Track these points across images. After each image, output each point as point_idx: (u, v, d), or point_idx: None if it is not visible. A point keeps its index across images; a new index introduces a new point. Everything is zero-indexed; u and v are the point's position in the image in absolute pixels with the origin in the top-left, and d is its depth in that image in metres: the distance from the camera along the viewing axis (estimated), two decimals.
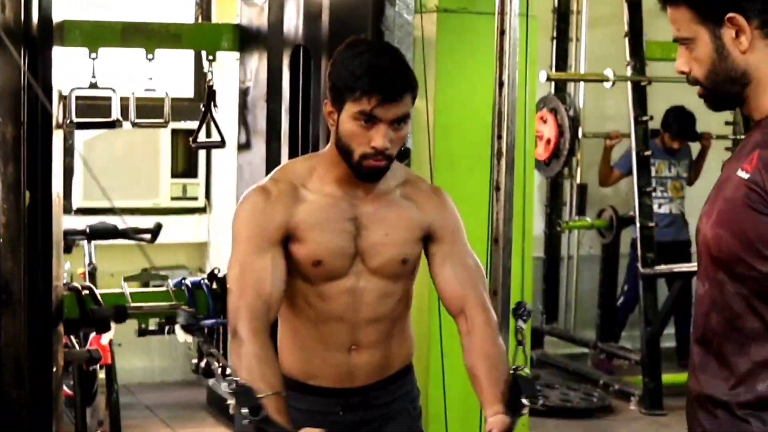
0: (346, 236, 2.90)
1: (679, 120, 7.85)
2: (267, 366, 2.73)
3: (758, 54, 2.32)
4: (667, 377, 7.29)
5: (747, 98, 2.36)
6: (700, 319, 2.41)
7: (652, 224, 7.17)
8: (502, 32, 4.17)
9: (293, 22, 4.57)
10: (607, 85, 7.18)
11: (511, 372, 2.84)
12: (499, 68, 4.17)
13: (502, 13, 4.16)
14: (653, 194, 7.39)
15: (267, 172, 4.60)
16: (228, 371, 2.86)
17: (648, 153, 7.24)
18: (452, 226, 3.02)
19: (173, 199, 6.95)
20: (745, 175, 2.27)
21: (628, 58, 7.24)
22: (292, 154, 4.64)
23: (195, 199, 7.05)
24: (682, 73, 2.42)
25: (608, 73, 7.13)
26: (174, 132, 6.81)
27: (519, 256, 4.31)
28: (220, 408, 6.65)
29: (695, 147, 8.26)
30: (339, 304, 2.92)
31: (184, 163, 6.98)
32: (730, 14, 2.30)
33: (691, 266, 7.50)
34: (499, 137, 4.19)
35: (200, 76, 7.20)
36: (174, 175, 6.96)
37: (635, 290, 7.69)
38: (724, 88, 2.36)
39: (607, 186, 8.12)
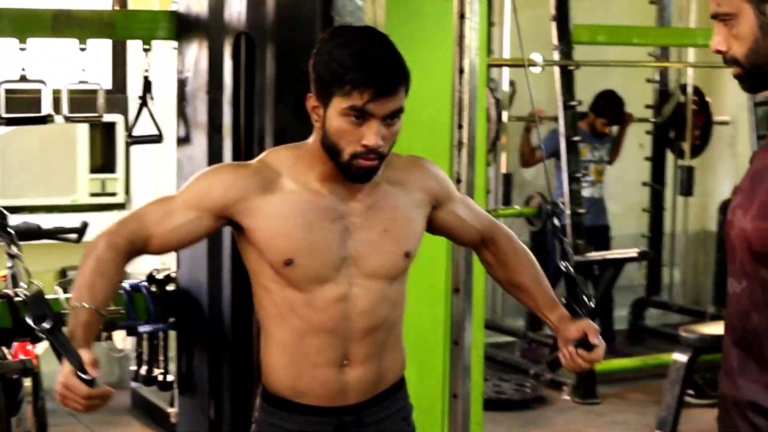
0: (328, 237, 2.67)
1: (612, 105, 7.81)
2: (101, 278, 2.57)
3: None
4: (599, 365, 7.21)
5: None
6: (738, 320, 2.25)
7: (582, 210, 7.08)
8: (461, 17, 4.04)
9: (235, 8, 4.33)
10: (536, 69, 7.05)
11: (564, 270, 2.93)
12: (459, 55, 4.03)
13: None
14: None
15: (209, 165, 4.43)
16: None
17: (577, 138, 7.16)
18: (445, 187, 2.90)
19: (92, 195, 6.67)
20: None
21: (555, 42, 7.13)
22: (235, 148, 4.40)
23: (114, 194, 6.77)
24: (719, 52, 2.27)
25: (536, 57, 7.00)
26: (92, 125, 6.53)
27: None
28: (145, 411, 6.42)
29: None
30: (329, 314, 2.69)
31: (103, 158, 6.70)
32: None
33: (623, 253, 7.48)
34: (460, 127, 4.06)
35: (118, 66, 6.93)
36: (92, 170, 6.67)
37: (556, 277, 7.64)
38: (766, 69, 2.21)
39: (528, 167, 8.04)
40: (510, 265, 2.95)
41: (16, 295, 4.30)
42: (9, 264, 4.98)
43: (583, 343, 2.79)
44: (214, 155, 4.45)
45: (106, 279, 2.58)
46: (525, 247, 3.02)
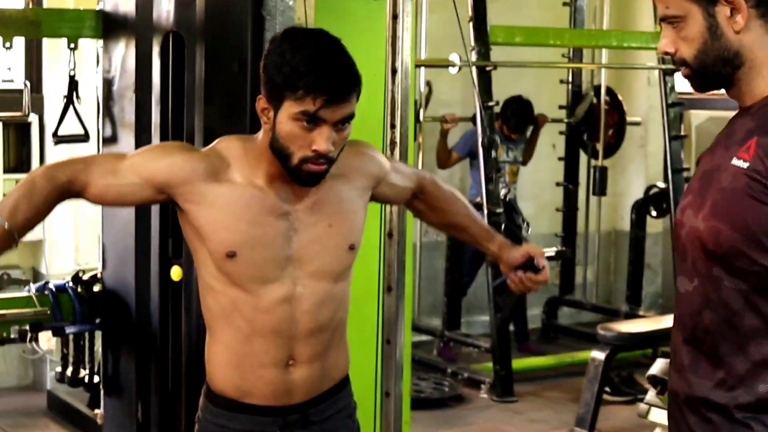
0: (271, 234, 2.66)
1: (518, 114, 7.91)
2: (26, 201, 2.59)
3: (752, 34, 2.22)
4: (516, 363, 7.30)
5: (737, 81, 2.25)
6: (690, 318, 2.30)
7: (500, 210, 7.13)
8: (394, 17, 4.03)
9: (164, 7, 4.30)
10: (453, 70, 7.09)
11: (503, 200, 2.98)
12: (392, 55, 4.02)
13: None
14: None
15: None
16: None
17: (495, 138, 7.21)
18: (383, 167, 2.93)
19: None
20: (743, 164, 2.16)
21: (473, 43, 7.17)
22: None
23: None
24: (667, 53, 2.30)
25: (454, 57, 7.03)
26: (5, 125, 6.41)
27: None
28: (62, 413, 6.32)
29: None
30: (274, 316, 2.68)
31: (17, 158, 6.57)
32: None
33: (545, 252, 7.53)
34: (393, 126, 4.05)
35: (31, 63, 6.81)
36: (6, 170, 6.54)
37: (471, 276, 7.73)
38: (715, 69, 2.24)
39: (445, 168, 8.08)
40: (442, 209, 3.07)
41: None
42: None
43: (530, 266, 2.88)
44: None
45: (32, 205, 2.59)
46: (452, 188, 3.13)
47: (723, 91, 2.33)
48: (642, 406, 5.26)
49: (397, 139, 4.05)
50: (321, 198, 2.71)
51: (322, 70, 2.52)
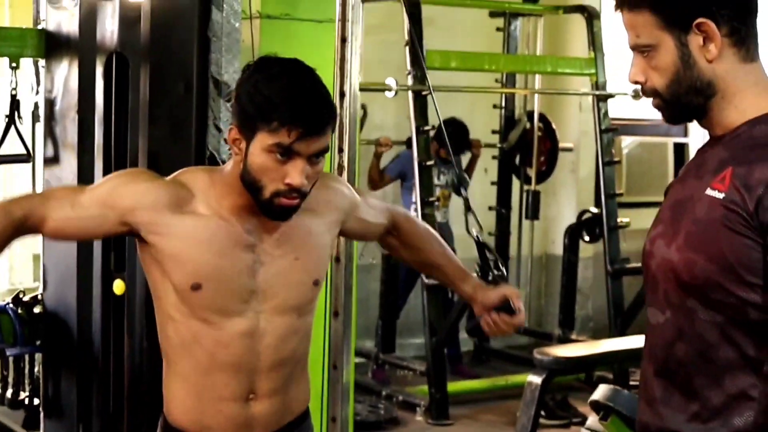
0: (238, 266, 2.60)
1: (455, 136, 7.92)
2: None
3: (725, 63, 2.19)
4: (451, 386, 7.31)
5: (709, 111, 2.22)
6: (662, 350, 2.26)
7: None
8: (343, 40, 4.02)
9: (108, 27, 4.24)
10: (390, 94, 7.10)
11: (475, 238, 3.08)
12: (340, 78, 4.02)
13: (343, 20, 4.01)
14: None
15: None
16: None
17: (431, 163, 7.22)
18: (352, 201, 2.88)
19: None
20: (718, 194, 2.14)
21: (409, 68, 7.19)
22: (106, 168, 4.30)
23: None
24: (637, 83, 2.27)
25: (390, 82, 7.04)
26: None
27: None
28: None
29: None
30: (236, 349, 2.63)
31: None
32: (699, 19, 2.15)
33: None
34: (341, 150, 4.04)
35: None
36: None
37: (404, 299, 7.74)
38: (687, 99, 2.21)
39: (376, 189, 8.08)
40: (416, 247, 3.01)
41: None
42: None
43: (505, 307, 2.84)
44: (85, 175, 4.35)
45: None
46: (426, 224, 3.10)
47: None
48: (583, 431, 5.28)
49: (345, 163, 4.05)
50: (288, 231, 2.65)
51: (298, 102, 2.46)
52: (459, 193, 8.16)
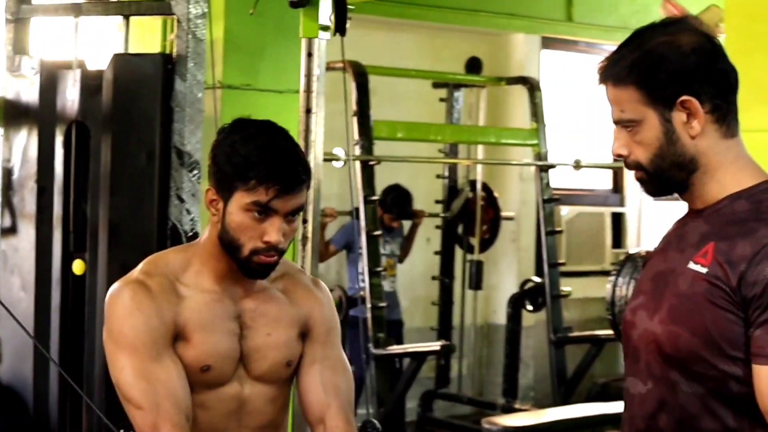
0: (232, 338, 2.62)
1: (399, 201, 7.95)
2: None
3: (708, 139, 2.23)
4: None
5: (691, 186, 2.26)
6: (643, 421, 2.29)
7: (383, 304, 7.14)
8: (307, 111, 4.06)
9: (69, 97, 4.23)
10: (338, 164, 7.11)
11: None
12: (305, 148, 4.04)
13: (307, 91, 4.05)
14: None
15: (37, 259, 4.29)
16: None
17: (378, 233, 7.23)
18: (327, 324, 2.78)
19: None
20: (701, 269, 2.18)
21: (356, 137, 7.22)
22: (65, 239, 4.28)
23: None
24: (620, 156, 2.29)
25: (338, 152, 7.05)
26: None
27: None
28: None
29: (406, 224, 8.38)
30: (222, 414, 2.62)
31: None
32: (683, 97, 2.20)
33: (426, 346, 7.57)
34: (305, 221, 4.05)
35: None
36: None
37: (361, 370, 7.67)
38: (669, 173, 2.25)
39: (322, 261, 8.05)
40: None
41: None
42: None
43: None
44: (43, 246, 4.31)
45: None
46: None
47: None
48: None
49: (309, 234, 4.06)
50: (264, 304, 2.67)
51: (275, 161, 2.50)
52: (401, 261, 8.20)
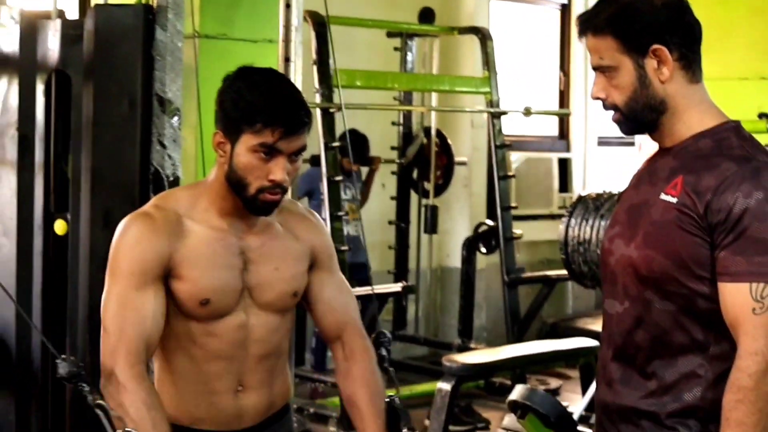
0: (233, 272, 2.81)
1: (357, 144, 8.11)
2: (157, 412, 2.65)
3: (675, 84, 2.50)
4: None
5: (661, 125, 2.54)
6: (621, 337, 2.56)
7: (345, 248, 7.32)
8: (286, 60, 4.22)
9: (49, 45, 4.35)
10: None
11: (387, 401, 2.91)
12: None
13: (286, 41, 4.21)
14: None
15: (19, 205, 4.41)
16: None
17: (339, 178, 7.39)
18: (329, 251, 3.01)
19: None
20: (672, 199, 2.45)
21: (317, 86, 7.38)
22: (46, 186, 4.41)
23: None
24: (599, 98, 2.56)
25: None
26: None
27: None
28: None
29: (364, 170, 8.56)
30: (228, 342, 2.82)
31: None
32: (654, 46, 2.47)
33: (388, 287, 7.78)
34: None
35: None
36: None
37: None
38: (642, 114, 2.52)
39: None
40: (354, 379, 2.93)
41: None
42: None
43: None
44: (24, 194, 4.43)
45: (159, 410, 2.66)
46: (375, 365, 2.99)
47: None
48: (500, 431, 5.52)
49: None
50: (270, 241, 2.85)
51: (279, 104, 2.68)
52: (361, 206, 8.38)
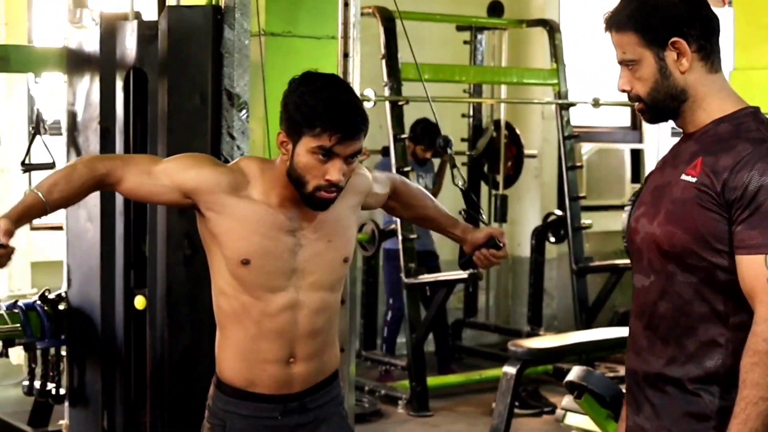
0: (281, 247, 3.05)
1: (428, 131, 8.28)
2: (65, 183, 2.96)
3: (695, 74, 2.69)
4: (430, 380, 7.71)
5: (683, 113, 2.72)
6: (647, 308, 2.74)
7: (413, 236, 7.55)
8: (345, 55, 4.45)
9: (127, 45, 4.63)
10: (368, 105, 7.50)
11: (461, 188, 3.75)
12: None
13: (345, 37, 4.44)
14: None
15: (101, 197, 4.71)
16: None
17: (408, 169, 7.62)
18: (370, 183, 3.30)
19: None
20: (692, 179, 2.63)
21: (385, 79, 7.61)
22: None
23: None
24: (624, 91, 2.76)
25: (369, 93, 7.44)
26: None
27: None
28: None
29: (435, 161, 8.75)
30: (279, 320, 3.07)
31: None
32: (673, 39, 2.66)
33: (453, 275, 7.98)
34: None
35: None
36: None
37: (400, 302, 8.03)
38: (664, 103, 2.71)
39: None
40: (413, 205, 3.47)
41: None
42: None
43: (492, 244, 3.33)
44: None
45: (69, 186, 2.96)
46: (418, 185, 3.57)
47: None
48: (559, 412, 5.68)
49: None
50: (322, 217, 3.10)
51: (338, 111, 2.93)
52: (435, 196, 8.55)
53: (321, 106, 2.91)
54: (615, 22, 2.73)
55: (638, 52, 2.69)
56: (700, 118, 2.71)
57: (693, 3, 2.70)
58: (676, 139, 2.83)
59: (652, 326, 2.73)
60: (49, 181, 2.95)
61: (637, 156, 10.51)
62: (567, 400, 5.62)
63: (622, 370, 8.34)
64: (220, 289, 3.10)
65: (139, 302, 4.51)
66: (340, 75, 4.43)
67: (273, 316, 3.07)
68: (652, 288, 2.72)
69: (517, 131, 9.13)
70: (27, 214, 2.89)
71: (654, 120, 2.80)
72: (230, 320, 3.11)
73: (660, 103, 2.71)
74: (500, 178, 9.08)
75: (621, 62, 2.74)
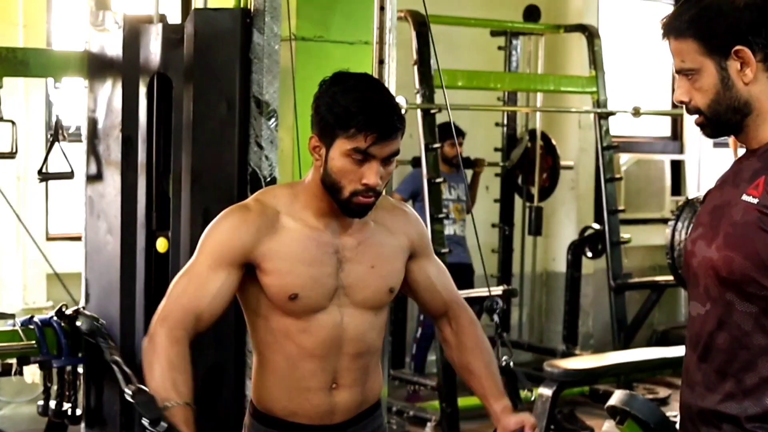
0: (326, 270, 2.86)
1: (446, 127, 7.90)
2: (179, 374, 2.74)
3: (760, 85, 2.47)
4: (461, 401, 7.43)
5: (746, 127, 2.51)
6: (703, 338, 2.54)
7: (445, 250, 7.28)
8: (381, 61, 4.22)
9: (151, 49, 4.41)
10: None
11: (504, 365, 2.97)
12: None
13: (380, 43, 4.21)
14: None
15: (122, 204, 4.49)
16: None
17: (440, 180, 7.34)
18: (425, 239, 3.08)
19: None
20: (753, 200, 2.43)
21: (417, 86, 7.35)
22: (149, 185, 4.47)
23: None
24: (682, 102, 2.54)
25: (401, 100, 7.18)
26: None
27: None
28: None
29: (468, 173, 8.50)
30: (322, 340, 2.88)
31: None
32: (737, 47, 2.44)
33: (484, 291, 7.70)
34: None
35: None
36: None
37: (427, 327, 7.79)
38: (726, 117, 2.49)
39: None
40: (467, 349, 3.09)
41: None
42: None
43: None
44: (128, 192, 4.51)
45: (184, 373, 2.75)
46: (483, 334, 3.16)
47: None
48: None
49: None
50: (366, 240, 2.90)
51: (373, 110, 2.72)
52: (469, 211, 8.28)
53: (354, 106, 2.72)
54: (674, 29, 2.51)
55: (698, 60, 2.48)
56: (765, 134, 2.50)
57: (758, 9, 2.47)
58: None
59: (708, 359, 2.53)
60: (168, 386, 2.72)
61: (677, 167, 10.24)
62: (608, 425, 5.39)
63: (662, 392, 8.12)
64: (260, 315, 2.91)
65: None
66: None
67: (316, 336, 2.87)
68: (709, 317, 2.52)
69: (553, 141, 8.86)
70: (191, 425, 2.73)
71: (714, 135, 2.58)
72: (269, 346, 2.92)
73: (721, 116, 2.50)
74: (535, 190, 8.81)
75: (679, 71, 2.53)
